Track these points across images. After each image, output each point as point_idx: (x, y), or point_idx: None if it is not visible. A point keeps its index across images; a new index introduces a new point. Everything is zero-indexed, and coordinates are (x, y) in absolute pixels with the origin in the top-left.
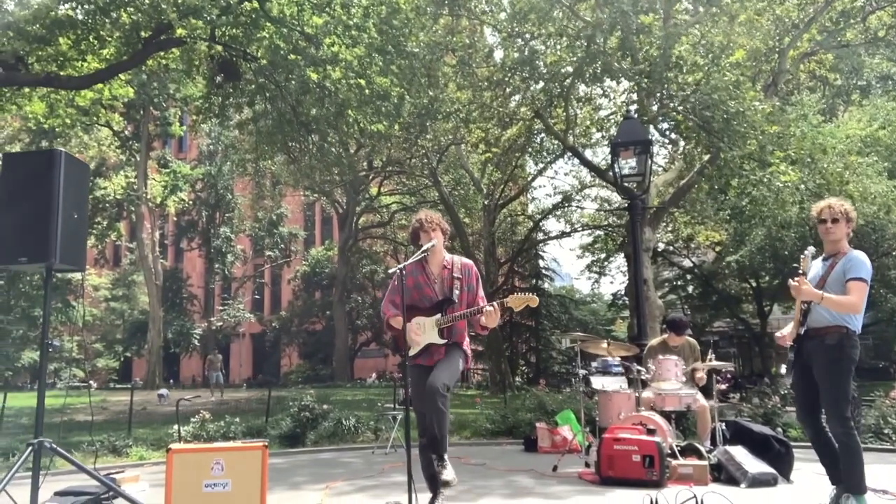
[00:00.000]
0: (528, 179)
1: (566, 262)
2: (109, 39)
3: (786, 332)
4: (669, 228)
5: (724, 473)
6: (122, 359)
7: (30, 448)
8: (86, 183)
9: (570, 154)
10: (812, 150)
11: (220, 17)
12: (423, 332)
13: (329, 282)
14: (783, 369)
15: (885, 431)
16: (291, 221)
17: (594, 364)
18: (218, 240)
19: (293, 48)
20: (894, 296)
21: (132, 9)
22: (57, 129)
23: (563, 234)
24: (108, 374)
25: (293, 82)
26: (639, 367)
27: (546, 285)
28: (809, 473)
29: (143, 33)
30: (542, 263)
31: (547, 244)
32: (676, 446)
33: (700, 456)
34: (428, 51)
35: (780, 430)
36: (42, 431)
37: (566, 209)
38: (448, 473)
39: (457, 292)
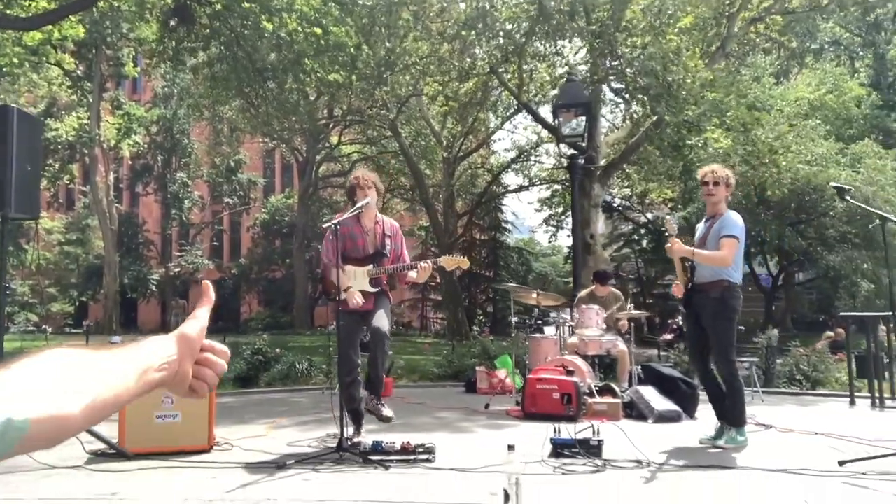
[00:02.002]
0: (488, 133)
1: (528, 215)
2: None
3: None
4: (626, 185)
5: (636, 410)
6: (77, 303)
7: None
8: (38, 136)
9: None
10: (747, 119)
11: None
12: (355, 279)
13: (289, 230)
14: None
15: (797, 378)
16: (250, 168)
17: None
18: (174, 185)
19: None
20: (830, 253)
21: None
22: (4, 69)
23: (521, 188)
24: (64, 318)
25: (248, 29)
26: (564, 316)
27: (505, 237)
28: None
29: None
30: (501, 216)
31: (506, 197)
32: (595, 386)
33: (615, 395)
34: (384, 3)
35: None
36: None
37: (524, 163)
38: (387, 411)
39: (387, 248)
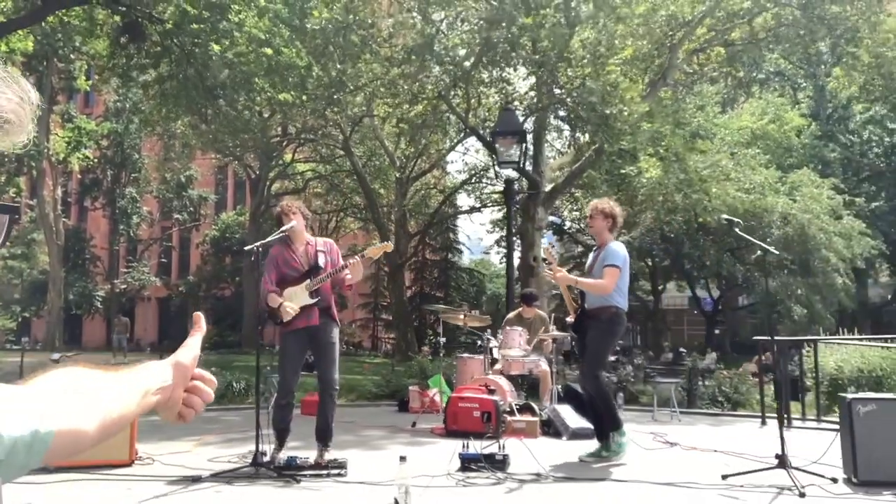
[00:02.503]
0: (440, 155)
1: (482, 237)
2: None
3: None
4: (575, 208)
5: (553, 428)
6: (19, 319)
7: None
8: None
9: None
10: (680, 149)
11: None
12: (296, 298)
13: (239, 247)
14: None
15: (719, 399)
16: (202, 184)
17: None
18: (123, 200)
19: (197, 17)
20: (767, 279)
21: None
22: None
23: (473, 209)
24: (6, 334)
25: (198, 48)
26: (488, 336)
27: (457, 258)
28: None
29: None
30: (453, 237)
31: (459, 218)
32: (515, 405)
33: (534, 413)
34: (332, 27)
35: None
36: None
37: (476, 185)
38: (329, 455)
39: (322, 260)
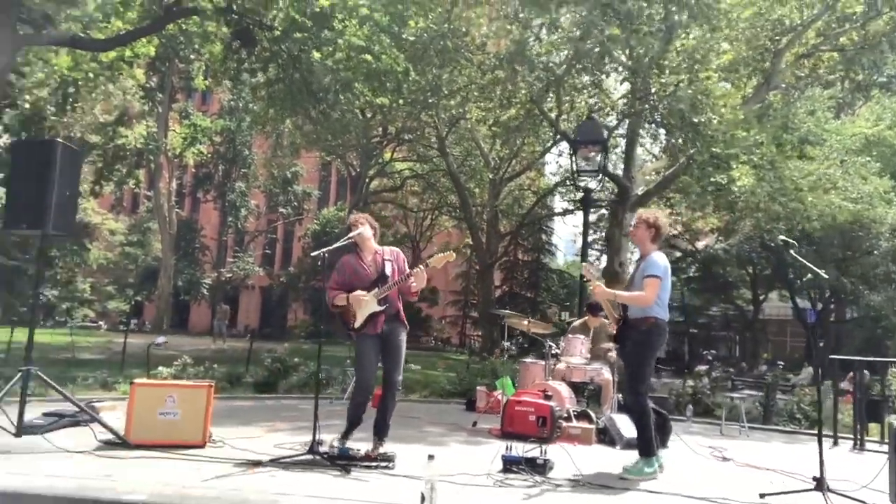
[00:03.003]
0: (534, 158)
1: (577, 239)
2: (133, 3)
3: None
4: (674, 213)
5: (608, 436)
6: (133, 302)
7: (20, 374)
8: (78, 166)
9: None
10: (775, 157)
11: None
12: (364, 304)
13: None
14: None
15: (797, 416)
16: (306, 180)
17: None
18: (233, 193)
19: (302, 25)
20: (871, 292)
21: None
22: (80, 83)
23: (566, 212)
24: (119, 316)
25: (304, 54)
26: (550, 343)
27: (548, 260)
28: (688, 442)
29: None
30: (545, 238)
31: (552, 220)
32: (573, 411)
33: (590, 420)
34: (428, 35)
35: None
36: (32, 361)
37: (570, 187)
38: (383, 447)
39: (389, 269)
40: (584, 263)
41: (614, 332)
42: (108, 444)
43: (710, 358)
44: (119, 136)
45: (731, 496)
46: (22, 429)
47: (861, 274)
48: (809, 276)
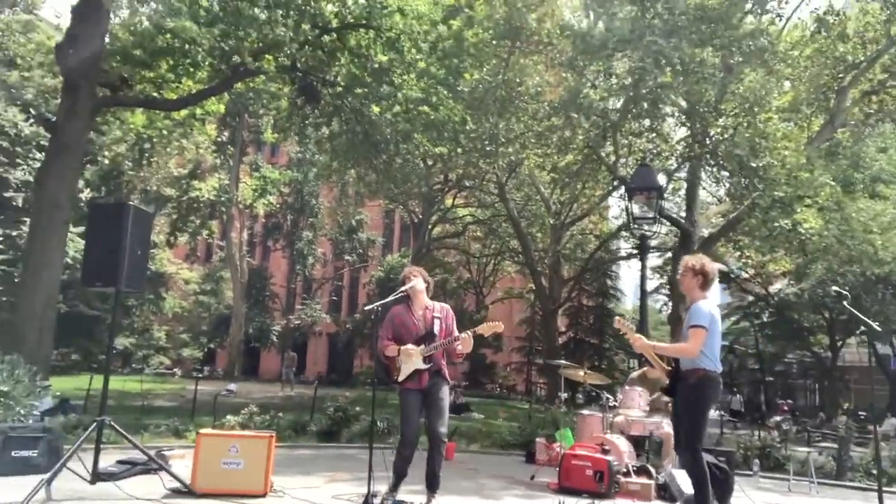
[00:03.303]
0: (593, 202)
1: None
2: (203, 64)
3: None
4: (745, 256)
5: (668, 493)
6: (206, 349)
7: (94, 424)
8: (149, 227)
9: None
10: (841, 198)
11: (300, 50)
12: (409, 359)
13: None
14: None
15: (873, 472)
16: (371, 227)
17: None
18: (301, 242)
19: (361, 82)
20: None
21: (221, 42)
22: (154, 139)
23: (630, 256)
24: (193, 363)
25: (365, 109)
26: (608, 395)
27: (612, 305)
28: (753, 498)
29: (234, 58)
30: (609, 283)
31: (617, 265)
32: (632, 466)
33: (650, 476)
34: (482, 86)
35: (758, 462)
36: (105, 411)
37: (633, 231)
38: (440, 499)
39: (437, 327)
40: (616, 317)
41: (667, 384)
42: (174, 492)
43: (786, 408)
44: (193, 189)
45: None
46: (96, 475)
47: None
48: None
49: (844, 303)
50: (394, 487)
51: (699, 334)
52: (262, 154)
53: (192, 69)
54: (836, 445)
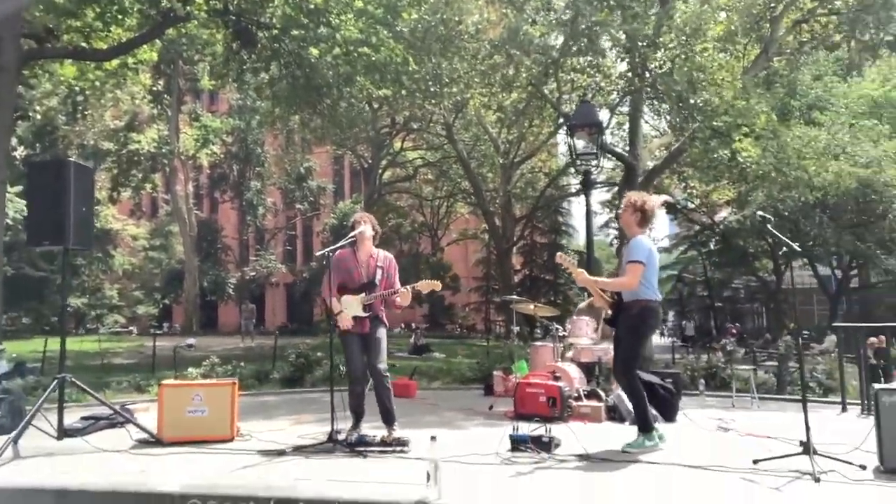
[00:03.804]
0: (541, 140)
1: (594, 219)
2: (131, 11)
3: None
4: (690, 187)
5: (617, 413)
6: (161, 306)
7: (55, 381)
8: (91, 182)
9: None
10: (775, 125)
11: None
12: (350, 308)
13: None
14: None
15: (810, 385)
16: (320, 175)
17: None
18: (249, 192)
19: (298, 24)
20: (888, 256)
21: None
22: (87, 91)
23: (579, 192)
24: (149, 320)
25: (304, 51)
26: (557, 326)
27: (565, 241)
28: (697, 416)
29: (163, 3)
30: (561, 219)
31: (571, 201)
32: (583, 391)
33: (599, 399)
34: (421, 26)
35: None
36: (65, 369)
37: (577, 168)
38: (396, 432)
39: (378, 278)
40: (558, 253)
41: (610, 315)
42: (142, 443)
43: (734, 331)
44: (132, 142)
45: (727, 463)
46: (63, 432)
47: (879, 239)
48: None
49: (768, 226)
50: (355, 425)
51: (637, 269)
52: (200, 103)
53: (120, 16)
54: (747, 366)
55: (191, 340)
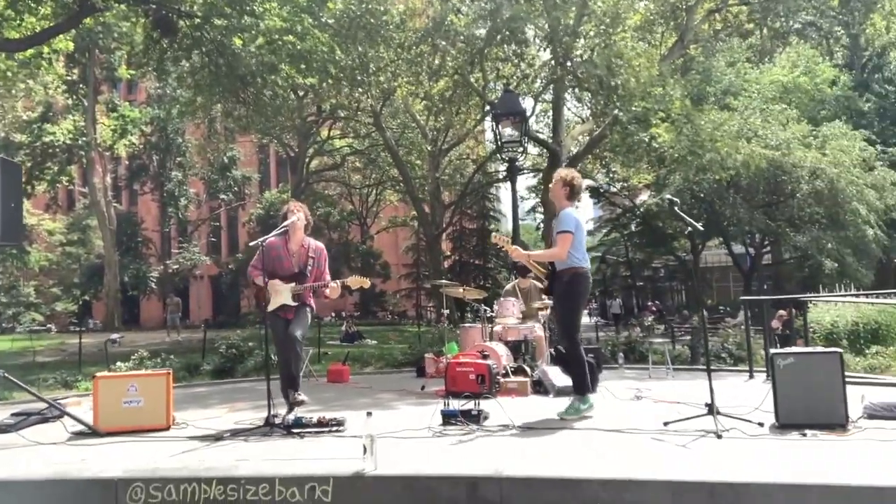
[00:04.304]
0: (467, 128)
1: (521, 204)
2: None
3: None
4: (612, 170)
5: (542, 387)
6: (80, 302)
7: None
8: (19, 179)
9: None
10: (690, 111)
11: None
12: (279, 294)
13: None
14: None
15: (723, 355)
16: (245, 164)
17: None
18: (170, 183)
19: (220, 12)
20: (796, 233)
21: None
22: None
23: (505, 178)
24: (68, 317)
25: (227, 39)
26: (485, 307)
27: (493, 226)
28: (614, 386)
29: None
30: (489, 205)
31: (499, 187)
32: (510, 368)
33: (526, 375)
34: (347, 17)
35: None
36: None
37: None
38: (301, 396)
39: (309, 268)
40: (493, 233)
41: (546, 284)
42: (78, 435)
43: (654, 309)
44: (46, 133)
45: (640, 426)
46: None
47: (788, 217)
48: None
49: (675, 208)
50: (290, 409)
51: (566, 239)
52: (118, 92)
53: (33, 4)
54: (661, 339)
55: (115, 336)
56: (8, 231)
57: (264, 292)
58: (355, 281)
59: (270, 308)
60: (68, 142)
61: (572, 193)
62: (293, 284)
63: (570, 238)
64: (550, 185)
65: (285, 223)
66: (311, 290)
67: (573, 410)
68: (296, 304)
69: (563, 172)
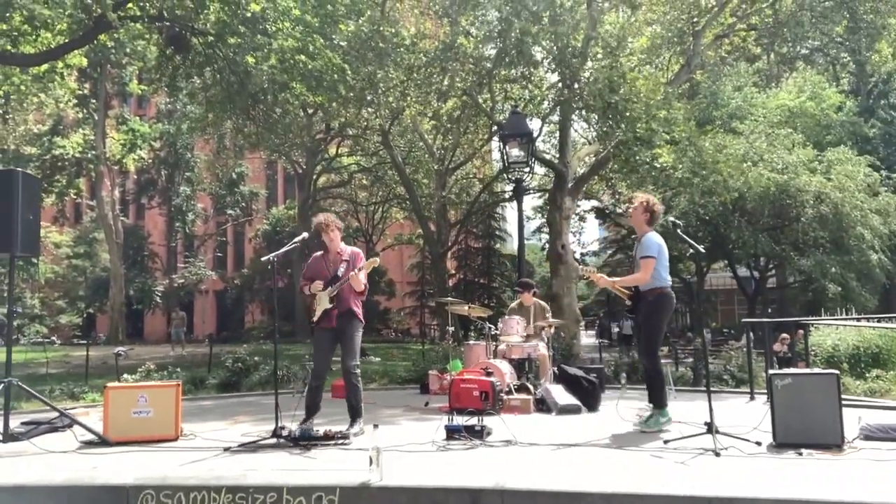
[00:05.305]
0: (475, 147)
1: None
2: (62, 16)
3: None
4: (618, 191)
5: (545, 405)
6: (85, 315)
7: (1, 385)
8: (38, 191)
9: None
10: (693, 133)
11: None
12: (321, 301)
13: (290, 240)
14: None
15: (724, 378)
16: (253, 180)
17: None
18: (178, 198)
19: (234, 31)
20: (802, 258)
21: None
22: (11, 96)
23: (511, 198)
24: (72, 329)
25: (239, 56)
26: (490, 325)
27: (499, 245)
28: (618, 406)
29: (95, 8)
30: (494, 224)
31: (504, 207)
32: (513, 385)
33: (528, 392)
34: (358, 39)
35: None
36: (11, 373)
37: (509, 175)
38: (356, 429)
39: (341, 270)
40: (581, 266)
41: (630, 304)
42: (88, 444)
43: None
44: (56, 146)
45: (641, 444)
46: (8, 435)
47: (793, 241)
48: (742, 246)
49: (678, 231)
50: (305, 420)
51: (650, 263)
52: (128, 106)
53: (49, 20)
54: (694, 358)
55: (120, 349)
56: (26, 243)
57: (313, 304)
58: (368, 264)
59: (315, 318)
60: (77, 155)
61: (652, 219)
62: (329, 289)
63: (654, 263)
64: (630, 210)
65: (296, 239)
66: (350, 290)
67: (654, 423)
68: (333, 305)
69: (642, 198)
